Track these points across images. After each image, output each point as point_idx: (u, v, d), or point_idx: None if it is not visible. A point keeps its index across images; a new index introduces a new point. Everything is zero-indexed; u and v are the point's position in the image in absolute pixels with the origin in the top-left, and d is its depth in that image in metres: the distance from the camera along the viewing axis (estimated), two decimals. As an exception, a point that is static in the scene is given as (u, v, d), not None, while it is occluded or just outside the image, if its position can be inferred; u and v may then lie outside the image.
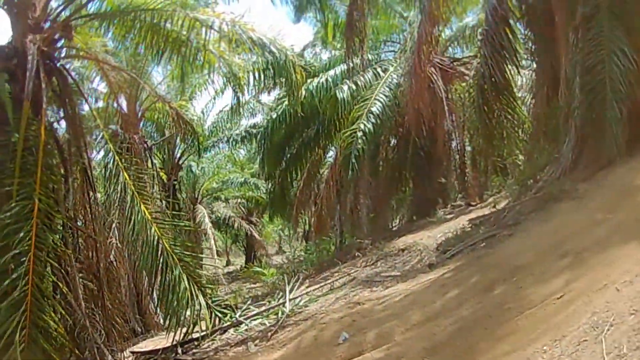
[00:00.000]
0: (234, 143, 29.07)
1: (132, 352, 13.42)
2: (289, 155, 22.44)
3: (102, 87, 17.15)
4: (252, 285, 24.22)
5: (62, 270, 11.38)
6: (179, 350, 12.24)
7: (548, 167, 12.51)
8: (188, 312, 11.78)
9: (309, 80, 18.27)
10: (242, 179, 33.18)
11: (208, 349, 12.05)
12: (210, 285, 13.38)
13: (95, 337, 11.78)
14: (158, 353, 12.48)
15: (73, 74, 14.81)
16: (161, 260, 11.76)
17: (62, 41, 13.25)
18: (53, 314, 10.54)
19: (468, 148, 21.04)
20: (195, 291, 11.71)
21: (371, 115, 18.34)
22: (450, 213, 18.78)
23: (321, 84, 19.41)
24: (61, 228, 12.12)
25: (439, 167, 20.36)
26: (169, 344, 12.33)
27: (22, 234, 10.24)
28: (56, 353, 10.39)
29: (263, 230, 41.70)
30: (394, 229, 21.05)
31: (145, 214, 11.86)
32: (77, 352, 11.62)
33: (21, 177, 10.79)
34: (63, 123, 13.59)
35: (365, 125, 18.09)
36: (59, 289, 11.19)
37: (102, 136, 13.46)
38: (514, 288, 7.31)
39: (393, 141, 21.20)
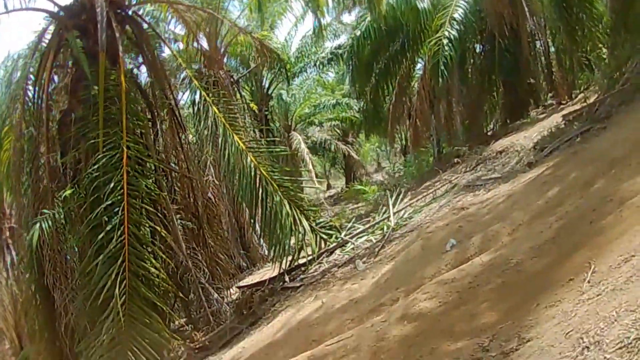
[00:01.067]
0: (321, 66, 28.49)
1: (239, 287, 13.49)
2: (377, 71, 21.64)
3: (179, 29, 16.89)
4: (355, 206, 24.34)
5: (159, 214, 11.37)
6: (286, 278, 12.14)
7: (632, 58, 11.55)
8: (292, 240, 11.61)
9: (388, -6, 17.50)
10: (334, 101, 32.46)
11: (315, 273, 11.88)
12: (312, 208, 13.22)
13: (199, 277, 11.88)
14: (265, 284, 12.42)
15: (147, 18, 14.67)
16: (260, 189, 11.56)
17: (130, -11, 13.01)
18: (153, 260, 10.56)
19: (552, 48, 20.16)
20: (298, 216, 11.50)
21: (454, 22, 17.43)
22: (542, 113, 18.24)
23: (400, -4, 18.53)
24: (154, 172, 12.15)
25: (526, 69, 19.39)
26: (275, 274, 12.24)
27: (112, 184, 10.23)
28: (159, 300, 10.45)
29: (360, 150, 41.14)
30: (489, 133, 20.35)
31: (239, 144, 11.65)
32: (181, 295, 11.76)
33: (106, 127, 10.79)
34: (144, 69, 13.50)
35: (449, 32, 17.22)
36: (158, 233, 11.20)
37: (186, 75, 13.29)
38: (613, 180, 6.80)
39: (478, 47, 20.70)
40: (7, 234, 17.62)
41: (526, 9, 17.85)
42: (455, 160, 16.72)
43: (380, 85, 22.20)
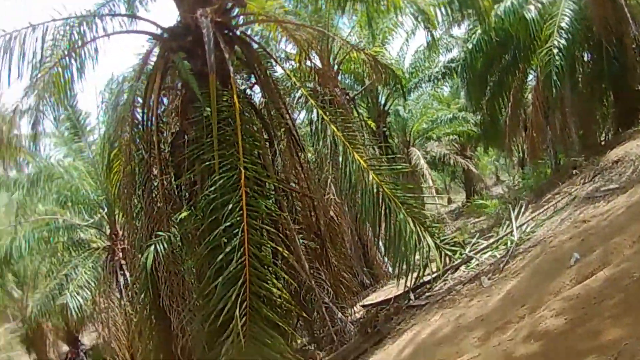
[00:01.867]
0: (435, 81, 28.32)
1: (363, 306, 13.31)
2: (491, 84, 21.52)
3: (290, 48, 16.86)
4: (476, 220, 24.42)
5: (281, 235, 11.19)
6: (411, 296, 11.86)
7: None
8: (417, 256, 11.34)
9: (495, 6, 17.12)
10: (450, 115, 32.39)
11: (440, 290, 11.62)
12: (436, 225, 12.92)
13: (323, 296, 11.70)
14: (390, 302, 12.21)
15: (256, 38, 14.69)
16: (383, 206, 11.33)
17: (236, 10, 12.99)
18: (275, 281, 10.43)
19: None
20: (422, 232, 11.20)
21: (562, 31, 17.03)
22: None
23: (508, 7, 18.02)
24: (274, 192, 12.03)
25: (633, 75, 18.59)
26: (400, 291, 11.99)
27: (231, 206, 10.11)
28: (281, 320, 10.28)
29: (479, 163, 41.33)
30: (603, 143, 19.83)
31: (360, 162, 11.45)
32: (304, 314, 11.60)
33: (221, 149, 10.69)
34: (256, 89, 13.40)
35: (558, 41, 16.83)
36: (279, 253, 11.04)
37: (301, 94, 13.18)
38: None
39: (586, 55, 20.37)
40: (121, 255, 17.99)
41: (628, 14, 17.43)
42: (573, 171, 16.56)
43: (495, 97, 22.05)
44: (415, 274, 11.76)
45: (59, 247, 20.50)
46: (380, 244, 15.19)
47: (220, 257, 9.93)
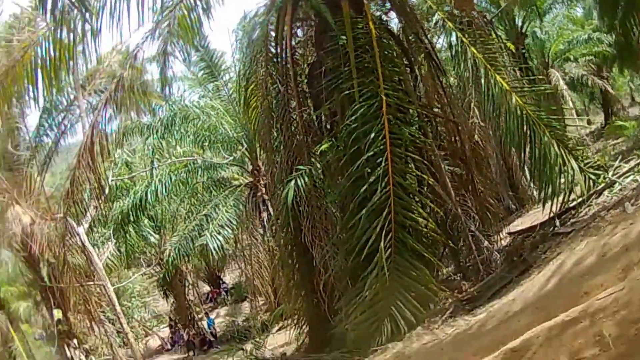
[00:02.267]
0: (568, 1, 28.31)
1: (509, 233, 12.83)
2: (623, 3, 19.57)
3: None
4: (615, 142, 23.71)
5: (425, 162, 10.90)
6: (557, 223, 11.20)
7: None
8: (562, 180, 10.82)
9: None
10: (585, 36, 31.35)
11: (585, 217, 10.91)
12: (579, 147, 12.36)
13: (469, 224, 11.39)
14: (535, 229, 11.59)
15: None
16: (527, 129, 10.83)
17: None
18: (421, 210, 10.21)
19: None
20: (566, 156, 10.65)
21: None
22: None
23: None
24: (416, 119, 11.68)
25: None
26: (545, 218, 11.38)
27: (373, 135, 9.94)
28: (427, 251, 10.10)
29: (615, 84, 39.22)
30: None
31: (502, 84, 10.91)
32: (450, 244, 11.38)
33: (360, 77, 10.47)
34: (393, 15, 12.94)
35: None
36: (425, 181, 10.80)
37: (439, 18, 12.65)
38: None
39: None
40: (263, 190, 18.29)
41: None
42: None
43: (627, 17, 20.19)
44: (560, 198, 11.19)
45: (198, 188, 21.12)
46: (526, 168, 14.58)
47: (364, 188, 9.82)
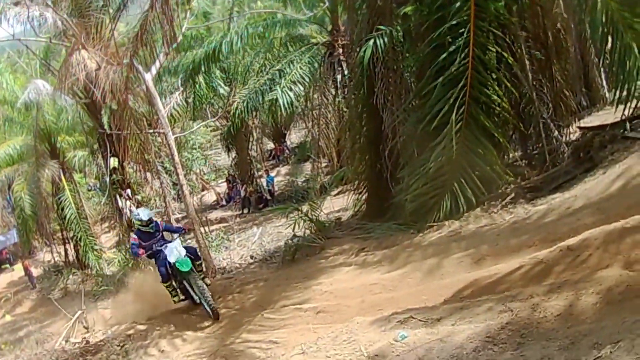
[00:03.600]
0: None
1: (579, 127, 12.97)
2: None
3: None
4: None
5: (507, 40, 11.00)
6: (627, 126, 11.34)
7: None
8: (638, 83, 10.47)
9: None
10: None
11: None
12: None
13: (542, 111, 11.54)
14: (605, 129, 11.74)
15: None
16: (610, 27, 10.40)
17: None
18: (497, 88, 10.42)
19: None
20: None
21: None
22: None
23: None
24: None
25: None
26: (616, 119, 11.42)
27: (458, 4, 10.09)
28: (497, 130, 10.44)
29: None
30: None
31: None
32: (521, 128, 11.63)
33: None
34: None
35: None
36: (503, 60, 10.93)
37: None
38: None
39: None
40: (340, 50, 18.39)
41: None
42: None
43: None
44: (633, 104, 10.87)
45: (274, 43, 21.16)
46: (602, 66, 14.28)
47: (443, 56, 10.09)
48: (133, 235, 11.64)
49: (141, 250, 11.09)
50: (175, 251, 10.85)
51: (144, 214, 11.43)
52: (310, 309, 9.49)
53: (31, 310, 22.42)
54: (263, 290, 11.74)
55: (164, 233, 11.60)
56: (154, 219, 11.71)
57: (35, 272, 28.38)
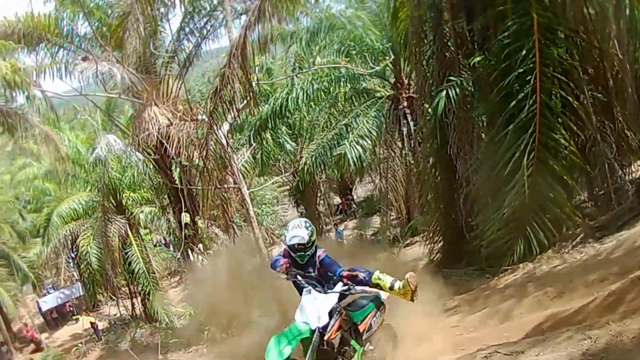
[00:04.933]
0: None
1: None
2: None
3: None
4: None
5: (570, 84, 11.52)
6: None
7: None
8: None
9: None
10: None
11: None
12: None
13: (606, 151, 12.00)
14: None
15: None
16: None
17: None
18: (563, 132, 10.99)
19: None
20: None
21: None
22: None
23: None
24: (564, 41, 12.11)
25: None
26: None
27: (524, 52, 10.84)
28: (565, 172, 10.99)
29: None
30: None
31: None
32: (587, 169, 12.03)
33: (514, -6, 11.20)
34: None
35: None
36: (568, 104, 11.43)
37: None
38: None
39: None
40: (405, 103, 19.11)
41: None
42: None
43: None
44: None
45: (339, 97, 21.98)
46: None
47: (512, 104, 10.83)
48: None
49: (282, 261, 7.37)
50: (309, 311, 6.95)
51: (298, 231, 7.39)
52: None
53: (96, 362, 23.27)
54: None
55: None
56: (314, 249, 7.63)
57: (100, 325, 29.42)
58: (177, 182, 18.81)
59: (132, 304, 27.51)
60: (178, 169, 19.04)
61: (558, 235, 11.55)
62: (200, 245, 19.63)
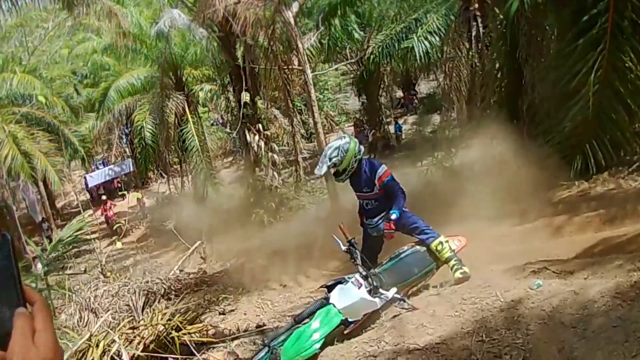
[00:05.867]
0: None
1: None
2: None
3: None
4: None
5: None
6: None
7: None
8: None
9: None
10: None
11: None
12: None
13: None
14: None
15: None
16: None
17: None
18: (632, 55, 11.01)
19: None
20: None
21: None
22: None
23: None
24: None
25: None
26: None
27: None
28: (630, 96, 11.13)
29: None
30: None
31: None
32: None
33: None
34: None
35: None
36: (638, 29, 11.26)
37: None
38: None
39: None
40: (476, 5, 19.10)
41: None
42: None
43: None
44: None
45: None
46: None
47: (584, 18, 11.01)
48: None
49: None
50: (342, 292, 6.76)
51: (319, 166, 7.56)
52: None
53: (140, 240, 24.27)
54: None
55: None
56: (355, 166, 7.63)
57: (147, 202, 30.97)
58: (240, 60, 18.88)
59: (182, 183, 28.37)
60: (242, 48, 18.95)
61: (616, 158, 11.78)
62: (259, 125, 19.77)
